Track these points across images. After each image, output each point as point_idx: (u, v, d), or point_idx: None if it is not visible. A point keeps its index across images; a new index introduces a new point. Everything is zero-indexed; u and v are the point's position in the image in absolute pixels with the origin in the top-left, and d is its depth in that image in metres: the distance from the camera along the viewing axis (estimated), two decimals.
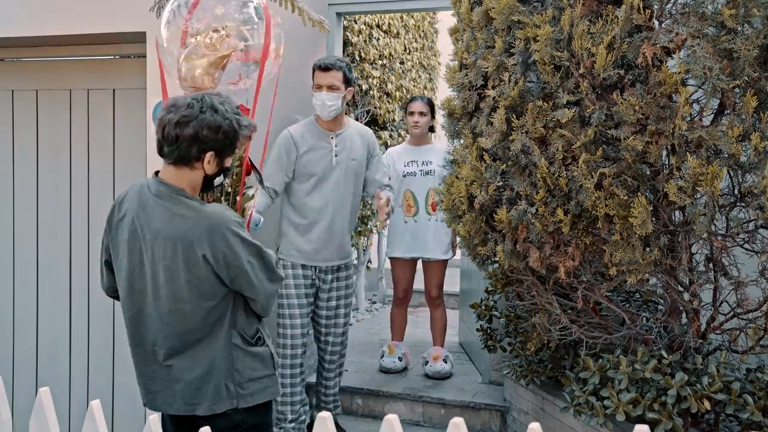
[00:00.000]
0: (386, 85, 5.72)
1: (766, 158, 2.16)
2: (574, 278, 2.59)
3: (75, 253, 3.63)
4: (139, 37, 3.25)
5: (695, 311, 2.47)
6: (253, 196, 2.56)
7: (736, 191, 2.35)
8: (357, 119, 5.39)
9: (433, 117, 4.08)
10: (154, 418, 1.26)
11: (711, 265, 2.43)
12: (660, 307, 2.99)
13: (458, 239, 2.99)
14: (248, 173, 2.42)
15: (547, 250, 2.51)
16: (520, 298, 3.04)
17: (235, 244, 1.89)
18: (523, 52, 2.51)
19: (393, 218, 4.02)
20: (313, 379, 4.03)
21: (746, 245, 2.35)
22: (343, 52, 5.08)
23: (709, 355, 2.54)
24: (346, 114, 3.58)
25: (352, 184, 3.34)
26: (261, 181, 2.54)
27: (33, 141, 3.67)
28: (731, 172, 2.33)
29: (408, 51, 6.28)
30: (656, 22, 2.36)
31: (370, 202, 5.02)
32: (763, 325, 2.41)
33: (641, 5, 2.24)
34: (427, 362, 4.08)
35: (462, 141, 2.96)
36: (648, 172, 2.40)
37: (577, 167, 2.33)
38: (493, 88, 2.67)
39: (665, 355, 2.40)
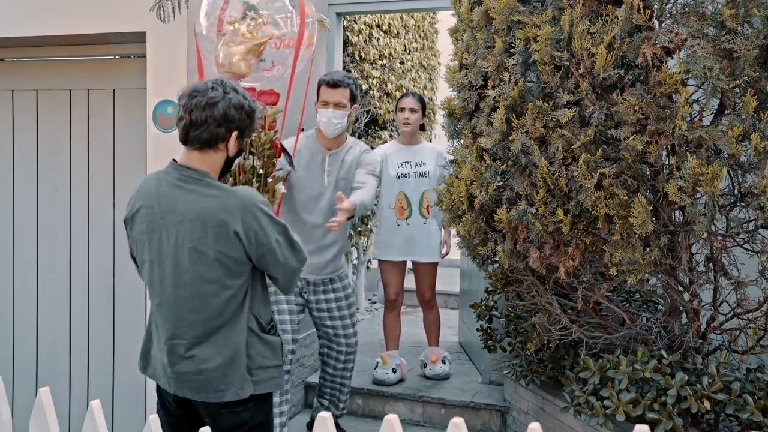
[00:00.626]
0: (386, 85, 5.72)
1: (766, 158, 2.16)
2: (574, 278, 2.59)
3: (75, 253, 3.63)
4: (139, 37, 3.25)
5: (695, 311, 2.47)
6: (283, 177, 2.60)
7: (736, 191, 2.35)
8: (357, 119, 5.40)
9: (424, 115, 3.97)
10: (154, 418, 1.26)
11: (711, 265, 2.43)
12: (660, 307, 2.99)
13: (456, 238, 2.99)
14: (279, 156, 2.49)
15: (547, 250, 2.51)
16: (520, 298, 3.04)
17: (265, 222, 1.95)
18: (523, 52, 2.51)
19: (383, 219, 3.94)
20: (313, 379, 4.03)
21: (746, 245, 2.35)
22: (343, 52, 5.09)
23: (709, 355, 2.54)
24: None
25: None
26: (291, 164, 2.58)
27: (33, 141, 3.68)
28: (731, 172, 2.33)
29: (408, 51, 6.29)
30: (656, 22, 2.36)
31: (374, 203, 5.00)
32: (763, 325, 2.41)
33: (641, 5, 2.24)
34: (425, 365, 4.08)
35: (462, 141, 2.96)
36: (648, 172, 2.40)
37: (577, 167, 2.33)
38: (493, 88, 2.67)
39: (665, 355, 2.40)
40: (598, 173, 2.29)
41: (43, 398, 1.33)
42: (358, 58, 5.39)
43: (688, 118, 2.24)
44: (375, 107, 5.54)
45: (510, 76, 2.55)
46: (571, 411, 2.54)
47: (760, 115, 2.17)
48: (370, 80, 5.49)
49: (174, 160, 2.02)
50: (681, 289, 2.47)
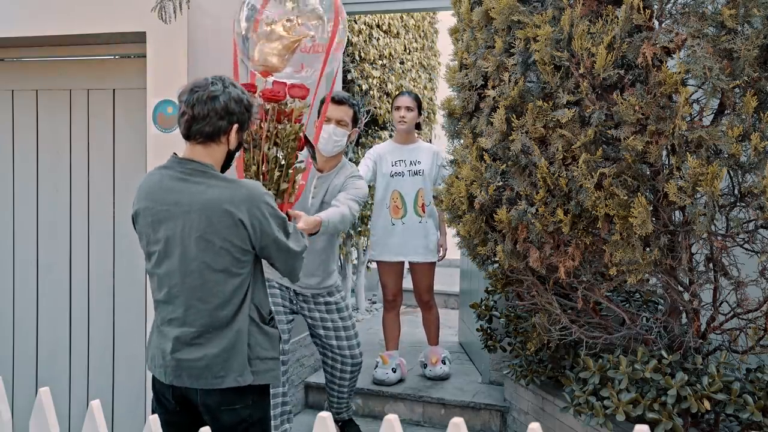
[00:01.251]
0: (386, 85, 5.71)
1: (766, 158, 2.16)
2: (574, 278, 2.59)
3: (75, 253, 3.63)
4: (139, 37, 3.25)
5: (695, 311, 2.47)
6: (304, 168, 2.63)
7: (736, 191, 2.35)
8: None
9: (419, 114, 3.93)
10: (154, 418, 1.26)
11: (711, 265, 2.43)
12: (660, 307, 2.99)
13: (456, 238, 2.98)
14: (301, 148, 2.53)
15: (547, 250, 2.51)
16: (520, 298, 3.04)
17: (269, 214, 2.02)
18: (523, 52, 2.51)
19: (378, 220, 3.92)
20: (313, 379, 4.03)
21: (746, 245, 2.35)
22: (344, 52, 5.08)
23: (709, 355, 2.55)
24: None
25: None
26: (314, 156, 2.60)
27: (33, 141, 3.68)
28: (731, 172, 2.33)
29: (408, 51, 6.28)
30: (656, 22, 2.36)
31: (370, 202, 5.00)
32: (763, 325, 2.41)
33: (641, 5, 2.24)
34: (425, 365, 4.08)
35: (462, 141, 2.96)
36: (648, 172, 2.40)
37: (577, 167, 2.33)
38: (493, 88, 2.67)
39: (665, 355, 2.40)
40: (598, 173, 2.29)
41: (43, 398, 1.33)
42: (358, 58, 5.39)
43: (688, 118, 2.24)
44: (375, 107, 5.54)
45: (510, 76, 2.55)
46: (571, 411, 2.54)
47: (760, 115, 2.17)
48: (370, 80, 5.48)
49: (175, 153, 2.07)
50: (681, 289, 2.47)
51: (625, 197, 2.26)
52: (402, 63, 6.13)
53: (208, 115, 1.97)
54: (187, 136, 2.02)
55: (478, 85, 2.80)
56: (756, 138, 2.11)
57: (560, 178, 2.39)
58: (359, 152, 5.49)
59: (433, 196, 3.51)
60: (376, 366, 3.98)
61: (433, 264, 3.96)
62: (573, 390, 2.56)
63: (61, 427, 3.22)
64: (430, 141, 6.65)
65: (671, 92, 2.21)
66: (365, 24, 5.50)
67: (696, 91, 2.29)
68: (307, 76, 2.63)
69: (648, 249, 2.34)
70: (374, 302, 6.33)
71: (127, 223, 2.85)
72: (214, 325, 2.00)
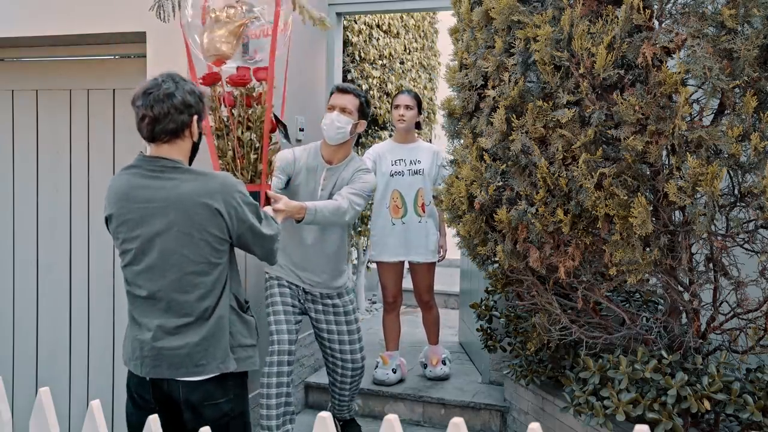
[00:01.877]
0: (386, 85, 5.72)
1: (766, 158, 2.16)
2: (574, 278, 2.59)
3: (75, 253, 3.63)
4: (139, 37, 3.25)
5: (695, 311, 2.47)
6: (279, 149, 2.63)
7: (736, 191, 2.35)
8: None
9: (419, 112, 3.91)
10: (154, 418, 1.26)
11: (711, 265, 2.43)
12: (660, 307, 2.99)
13: (456, 238, 2.98)
14: (273, 131, 2.52)
15: (547, 250, 2.51)
16: (520, 298, 3.04)
17: (242, 202, 2.06)
18: (523, 52, 2.51)
19: (378, 220, 3.91)
20: (313, 379, 4.03)
21: (746, 245, 2.35)
22: (343, 52, 5.08)
23: (709, 355, 2.54)
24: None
25: None
26: (286, 136, 2.60)
27: (33, 141, 3.68)
28: (731, 172, 2.33)
29: (408, 51, 6.28)
30: (656, 22, 2.35)
31: (370, 202, 4.99)
32: (763, 325, 2.41)
33: (641, 5, 2.24)
34: (425, 365, 4.07)
35: (462, 141, 2.96)
36: (648, 172, 2.40)
37: (577, 167, 2.33)
38: (493, 88, 2.67)
39: (665, 355, 2.40)
40: (598, 173, 2.29)
41: (43, 398, 1.33)
42: (358, 58, 5.39)
43: (688, 118, 2.24)
44: (375, 107, 5.54)
45: (510, 76, 2.55)
46: (571, 411, 2.54)
47: (760, 115, 2.17)
48: (370, 80, 5.48)
49: (141, 152, 2.10)
50: (681, 289, 2.47)
51: (625, 197, 2.26)
52: (402, 63, 6.13)
53: (169, 113, 2.00)
54: (152, 138, 2.05)
55: (478, 85, 2.80)
56: (756, 138, 2.11)
57: (560, 178, 2.39)
58: (359, 152, 5.50)
59: (433, 196, 3.51)
60: (377, 366, 3.98)
61: (433, 264, 3.95)
62: (573, 390, 2.56)
63: (61, 427, 3.22)
64: (430, 141, 6.64)
65: (671, 92, 2.21)
66: (365, 24, 5.50)
67: (696, 91, 2.29)
68: (259, 59, 2.64)
69: (648, 249, 2.34)
70: (374, 302, 6.33)
71: None
72: (196, 315, 2.02)
